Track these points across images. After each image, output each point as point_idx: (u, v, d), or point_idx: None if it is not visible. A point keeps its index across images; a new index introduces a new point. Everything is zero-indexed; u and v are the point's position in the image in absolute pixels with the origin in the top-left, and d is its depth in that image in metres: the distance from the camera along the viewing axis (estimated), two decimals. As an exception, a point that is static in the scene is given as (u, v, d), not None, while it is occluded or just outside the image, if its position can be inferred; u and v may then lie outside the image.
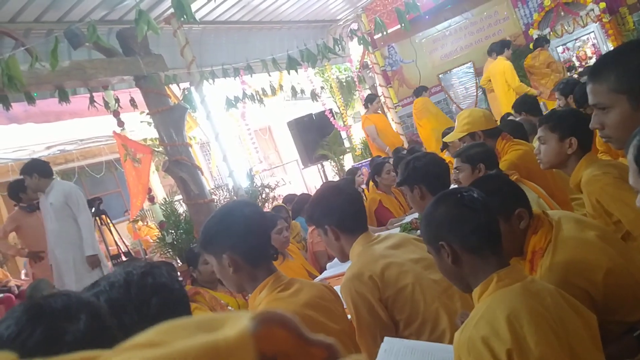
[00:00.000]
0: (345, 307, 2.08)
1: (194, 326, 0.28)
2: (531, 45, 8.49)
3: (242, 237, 1.79)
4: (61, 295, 0.97)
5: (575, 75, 7.70)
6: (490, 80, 8.12)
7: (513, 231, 1.83)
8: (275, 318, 0.32)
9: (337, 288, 3.13)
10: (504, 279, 1.42)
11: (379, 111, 8.92)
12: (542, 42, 8.12)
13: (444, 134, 5.87)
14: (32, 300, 0.97)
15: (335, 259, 3.91)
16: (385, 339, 1.78)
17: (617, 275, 1.70)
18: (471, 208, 1.49)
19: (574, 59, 8.65)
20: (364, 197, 5.16)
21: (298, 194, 6.55)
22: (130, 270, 1.32)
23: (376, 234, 2.23)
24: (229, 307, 3.38)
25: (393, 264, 2.02)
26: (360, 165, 8.31)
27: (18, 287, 6.32)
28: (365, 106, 8.50)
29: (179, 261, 5.37)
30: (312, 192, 7.96)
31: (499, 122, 4.73)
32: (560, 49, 8.83)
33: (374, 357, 1.74)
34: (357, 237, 2.13)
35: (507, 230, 1.79)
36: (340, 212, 2.12)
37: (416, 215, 4.19)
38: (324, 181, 8.21)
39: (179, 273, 4.29)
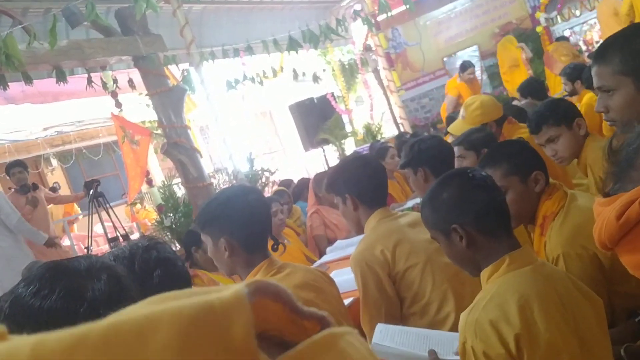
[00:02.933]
0: (340, 291, 2.08)
1: (188, 294, 0.26)
2: (538, 28, 8.37)
3: (243, 225, 1.79)
4: (84, 257, 0.99)
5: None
6: (632, 8, 6.16)
7: (528, 193, 1.85)
8: (268, 289, 0.29)
9: (337, 272, 3.09)
10: (515, 261, 1.37)
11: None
12: (564, 39, 7.97)
13: (449, 119, 5.77)
14: (56, 261, 0.98)
15: (336, 243, 3.88)
16: (378, 324, 1.80)
17: None
18: (483, 187, 1.44)
19: (580, 42, 8.53)
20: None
21: (296, 178, 6.48)
22: (135, 244, 1.37)
23: (394, 211, 2.24)
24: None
25: (406, 241, 2.03)
26: (361, 149, 8.22)
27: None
28: (460, 74, 8.14)
29: (177, 245, 5.31)
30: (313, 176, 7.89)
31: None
32: (567, 33, 8.70)
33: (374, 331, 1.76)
34: (375, 211, 2.14)
35: (522, 192, 1.83)
36: (362, 183, 2.14)
37: (417, 200, 4.12)
38: (328, 166, 8.13)
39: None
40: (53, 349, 0.21)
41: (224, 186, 6.74)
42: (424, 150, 2.65)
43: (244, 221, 1.79)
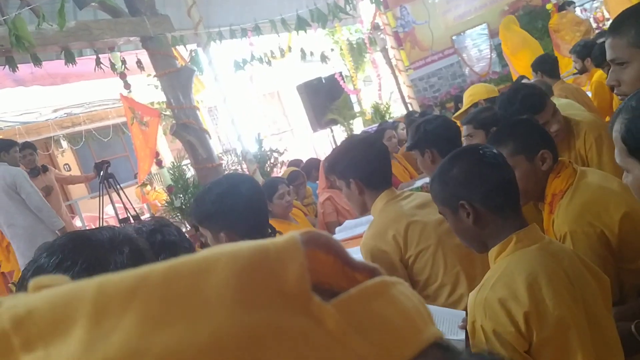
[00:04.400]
0: None
1: (244, 242, 0.27)
2: (548, 6, 8.25)
3: (240, 218, 1.77)
4: (107, 228, 0.97)
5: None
6: None
7: (535, 172, 1.83)
8: (320, 240, 0.29)
9: (347, 253, 3.11)
10: (522, 240, 1.36)
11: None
12: (565, 6, 7.84)
13: (457, 99, 5.78)
14: (78, 232, 0.97)
15: (345, 223, 3.89)
16: None
17: (635, 220, 1.69)
18: (493, 165, 1.42)
19: (591, 20, 8.41)
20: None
21: (305, 159, 6.48)
22: (140, 228, 1.33)
23: (400, 191, 2.18)
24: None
25: (416, 224, 1.98)
26: (370, 129, 8.20)
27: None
28: None
29: (187, 225, 5.36)
30: (321, 157, 7.90)
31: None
32: (577, 10, 8.58)
33: None
34: (381, 193, 2.09)
35: (529, 171, 1.82)
36: (368, 166, 2.08)
37: (427, 179, 4.13)
38: (334, 146, 8.13)
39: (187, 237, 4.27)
40: (116, 289, 0.22)
41: (233, 167, 6.77)
42: (430, 131, 2.63)
43: (240, 214, 1.77)
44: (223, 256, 0.23)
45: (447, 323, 1.63)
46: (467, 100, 3.74)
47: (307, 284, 0.24)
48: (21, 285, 0.90)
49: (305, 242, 0.27)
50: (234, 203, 1.77)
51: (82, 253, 0.89)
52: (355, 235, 3.44)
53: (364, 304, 0.25)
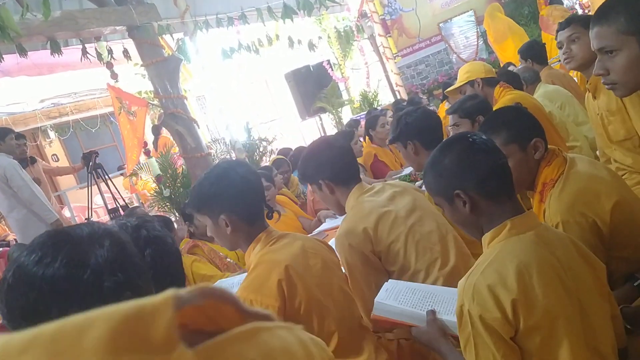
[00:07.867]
0: (339, 259, 2.10)
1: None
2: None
3: (240, 198, 1.81)
4: (86, 224, 0.96)
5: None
6: None
7: (527, 161, 1.82)
8: (216, 293, 0.35)
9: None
10: (517, 227, 1.36)
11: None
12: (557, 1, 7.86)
13: (446, 86, 5.78)
14: (57, 229, 0.95)
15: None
16: (390, 280, 1.84)
17: (625, 208, 1.69)
18: (484, 150, 1.41)
19: (577, 5, 8.45)
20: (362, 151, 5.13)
21: (294, 147, 6.49)
22: (124, 223, 1.32)
23: (370, 185, 2.23)
24: (228, 259, 3.38)
25: (387, 217, 2.05)
26: (359, 117, 8.22)
27: (17, 241, 6.32)
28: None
29: (177, 214, 5.36)
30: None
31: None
32: (563, -5, 8.62)
33: (369, 305, 1.76)
34: (351, 189, 2.16)
35: (522, 160, 1.81)
36: (332, 165, 2.15)
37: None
38: (322, 135, 8.14)
39: (176, 226, 4.28)
40: (13, 344, 0.27)
41: (222, 156, 6.77)
42: (411, 123, 2.64)
43: (240, 194, 1.81)
44: (102, 314, 0.28)
45: (448, 303, 1.64)
46: (464, 76, 3.61)
47: (174, 335, 0.28)
48: (1, 286, 0.89)
49: (203, 295, 0.33)
50: (232, 183, 1.80)
51: (62, 249, 0.88)
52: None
53: (225, 347, 0.29)
